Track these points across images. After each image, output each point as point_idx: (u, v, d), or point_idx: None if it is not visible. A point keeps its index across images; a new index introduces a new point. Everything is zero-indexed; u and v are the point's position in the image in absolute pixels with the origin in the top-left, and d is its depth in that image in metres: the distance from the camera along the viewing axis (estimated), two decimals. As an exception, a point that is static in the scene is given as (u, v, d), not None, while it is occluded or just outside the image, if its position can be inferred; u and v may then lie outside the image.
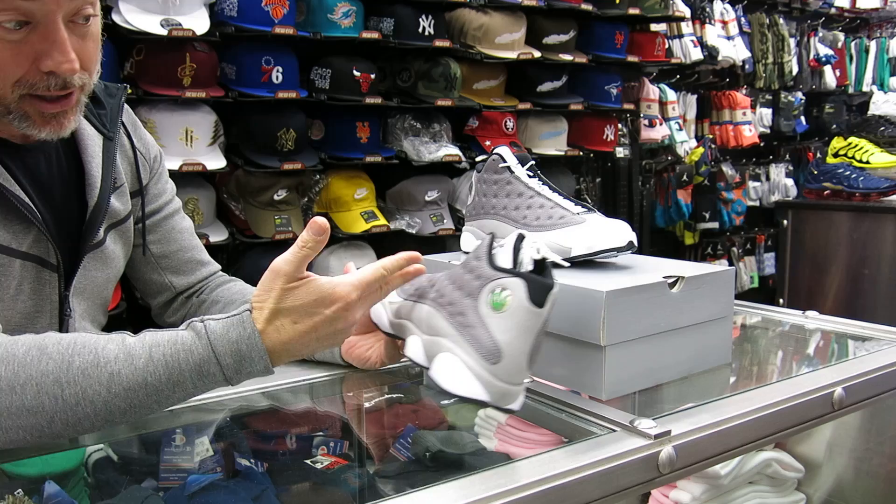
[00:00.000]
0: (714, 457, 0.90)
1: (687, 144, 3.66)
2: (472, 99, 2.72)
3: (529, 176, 1.22)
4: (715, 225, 3.73)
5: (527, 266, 0.83)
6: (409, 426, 1.22)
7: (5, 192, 0.96)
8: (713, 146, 3.75)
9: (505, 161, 1.23)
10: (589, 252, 1.10)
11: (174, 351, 0.80)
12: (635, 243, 1.11)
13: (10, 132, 0.99)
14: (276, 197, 2.32)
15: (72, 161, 1.09)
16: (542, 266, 0.85)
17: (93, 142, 1.10)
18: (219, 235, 2.26)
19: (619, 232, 1.11)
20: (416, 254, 0.90)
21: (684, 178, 3.54)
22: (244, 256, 2.36)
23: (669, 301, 1.02)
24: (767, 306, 1.48)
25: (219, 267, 1.32)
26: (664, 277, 1.02)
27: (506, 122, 2.81)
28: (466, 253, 1.21)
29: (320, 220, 0.83)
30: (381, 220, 2.49)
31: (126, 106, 1.18)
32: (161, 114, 2.15)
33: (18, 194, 0.97)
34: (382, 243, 2.65)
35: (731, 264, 3.91)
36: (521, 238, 0.84)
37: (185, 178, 2.21)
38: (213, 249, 2.33)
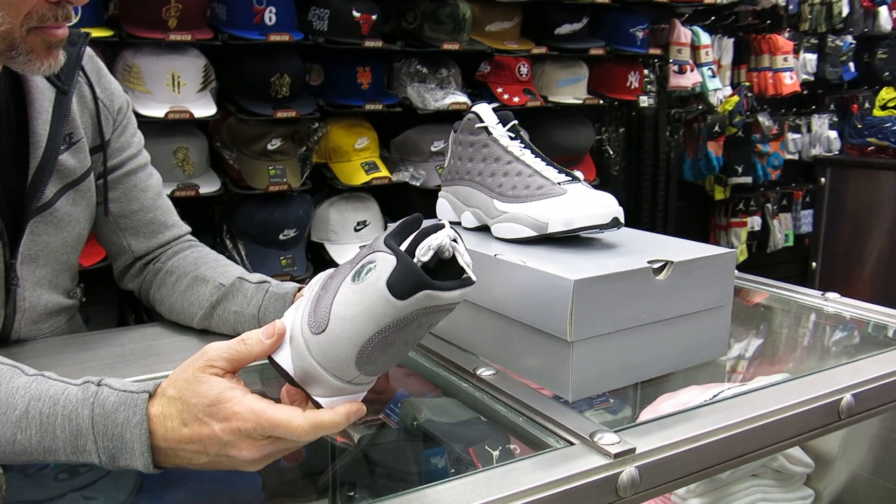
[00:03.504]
0: (685, 477, 0.77)
1: (721, 92, 3.44)
2: (484, 42, 2.54)
3: (511, 138, 1.08)
4: (748, 179, 3.52)
5: (421, 257, 0.65)
6: (400, 391, 1.14)
7: None
8: (749, 94, 3.51)
9: (482, 121, 1.09)
10: (567, 229, 0.96)
11: (52, 412, 0.68)
12: (622, 220, 0.97)
13: None
14: (269, 146, 2.20)
15: (16, 117, 0.99)
16: (454, 269, 0.68)
17: (42, 95, 1.00)
18: (210, 186, 2.16)
19: (603, 206, 0.97)
20: (360, 406, 0.69)
21: (716, 128, 3.33)
22: (239, 208, 2.26)
23: (653, 290, 0.89)
24: (779, 283, 1.32)
25: (187, 230, 1.21)
26: (648, 262, 0.88)
27: (520, 67, 2.63)
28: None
29: (278, 325, 0.69)
30: (383, 172, 2.36)
31: (91, 53, 1.08)
32: (146, 58, 2.03)
33: None
34: (386, 195, 2.53)
35: (764, 221, 3.73)
36: (438, 227, 0.67)
37: (175, 126, 2.10)
38: (206, 201, 2.24)
